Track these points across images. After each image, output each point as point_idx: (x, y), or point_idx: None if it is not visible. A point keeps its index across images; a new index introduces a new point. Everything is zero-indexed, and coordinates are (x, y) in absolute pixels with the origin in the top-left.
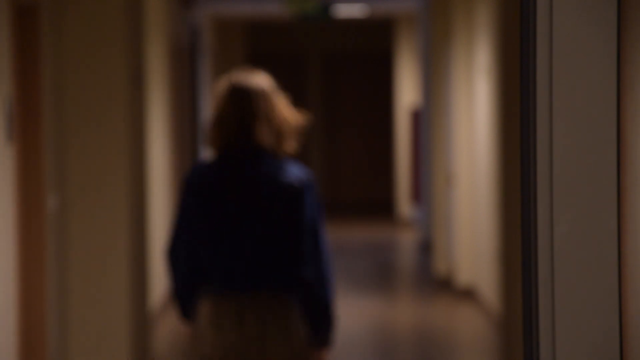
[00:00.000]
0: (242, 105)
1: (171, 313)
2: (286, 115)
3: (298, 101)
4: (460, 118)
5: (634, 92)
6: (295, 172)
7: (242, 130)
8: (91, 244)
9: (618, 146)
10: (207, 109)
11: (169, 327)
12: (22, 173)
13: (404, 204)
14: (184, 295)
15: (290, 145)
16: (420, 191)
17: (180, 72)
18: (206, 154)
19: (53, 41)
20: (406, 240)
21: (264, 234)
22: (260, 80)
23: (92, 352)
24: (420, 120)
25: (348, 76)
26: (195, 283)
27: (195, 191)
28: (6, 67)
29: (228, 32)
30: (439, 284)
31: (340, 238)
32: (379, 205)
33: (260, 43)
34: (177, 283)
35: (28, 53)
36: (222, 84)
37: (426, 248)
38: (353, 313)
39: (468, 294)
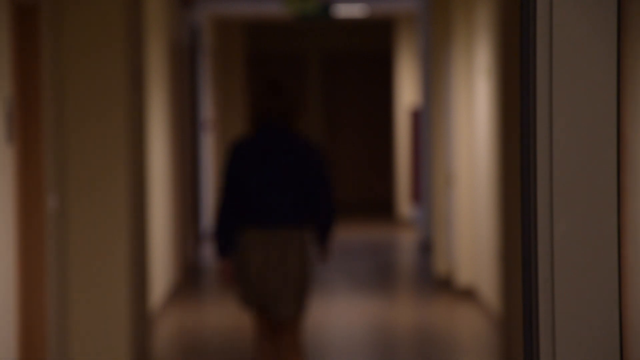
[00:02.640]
0: (271, 98)
1: (171, 313)
2: (298, 107)
3: None
4: (460, 118)
5: (634, 92)
6: (308, 143)
7: (271, 115)
8: (91, 244)
9: (618, 146)
10: (207, 108)
11: (169, 327)
12: (22, 173)
13: (404, 204)
14: (226, 236)
15: (299, 125)
16: (420, 191)
17: (180, 72)
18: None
19: (53, 41)
20: (406, 240)
21: (289, 186)
22: (284, 80)
23: (92, 352)
24: (420, 120)
25: (348, 76)
26: (235, 225)
27: (240, 156)
28: (6, 67)
29: (228, 32)
30: (439, 284)
31: (340, 238)
32: (379, 205)
33: (260, 43)
34: (221, 227)
35: (28, 53)
36: (259, 82)
37: (426, 248)
38: (353, 313)
39: (468, 294)
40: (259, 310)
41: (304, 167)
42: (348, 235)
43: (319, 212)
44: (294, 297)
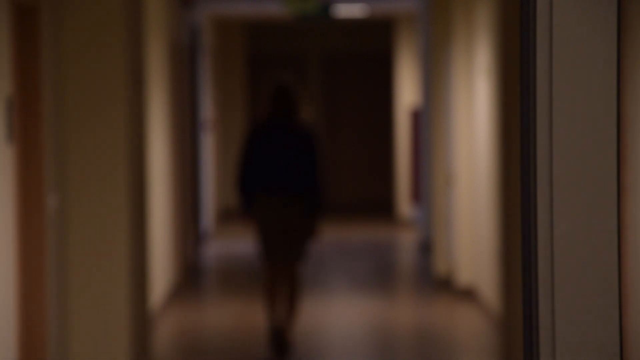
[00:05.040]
0: (281, 94)
1: (171, 313)
2: (299, 101)
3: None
4: (460, 118)
5: (634, 92)
6: (308, 128)
7: (280, 106)
8: (91, 244)
9: (618, 146)
10: (207, 108)
11: (169, 327)
12: (22, 173)
13: (404, 204)
14: (247, 197)
15: (301, 115)
16: (420, 191)
17: (180, 72)
18: (262, 118)
19: (53, 41)
20: (406, 240)
21: (293, 162)
22: (291, 77)
23: (92, 352)
24: (420, 120)
25: (348, 76)
26: (253, 189)
27: (256, 136)
28: (6, 67)
29: (228, 32)
30: (439, 284)
31: (340, 238)
32: (379, 205)
33: (260, 43)
34: (242, 190)
35: (28, 53)
36: (270, 82)
37: (426, 248)
38: (353, 313)
39: (468, 294)
40: (271, 259)
41: (305, 148)
42: (348, 235)
43: (312, 186)
44: (296, 246)
